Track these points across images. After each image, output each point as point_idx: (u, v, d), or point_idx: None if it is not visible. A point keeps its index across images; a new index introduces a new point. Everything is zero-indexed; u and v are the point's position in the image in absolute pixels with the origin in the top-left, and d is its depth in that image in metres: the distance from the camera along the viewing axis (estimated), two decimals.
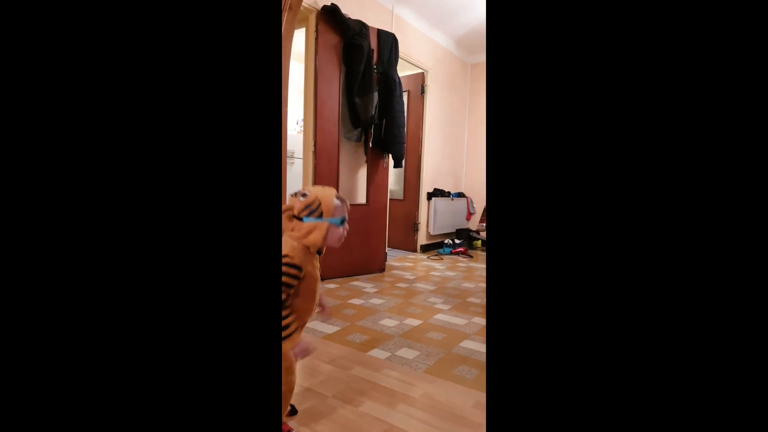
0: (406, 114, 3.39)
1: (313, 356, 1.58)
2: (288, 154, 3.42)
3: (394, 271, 3.21)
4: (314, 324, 1.93)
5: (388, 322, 2.01)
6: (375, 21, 3.06)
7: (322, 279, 2.84)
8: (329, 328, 1.90)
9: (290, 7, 1.77)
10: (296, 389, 1.37)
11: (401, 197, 4.15)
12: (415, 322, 2.02)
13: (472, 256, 4.00)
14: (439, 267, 3.46)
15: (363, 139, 3.02)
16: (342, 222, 1.01)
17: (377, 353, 1.63)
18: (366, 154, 3.09)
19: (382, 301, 2.37)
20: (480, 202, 4.69)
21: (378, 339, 1.78)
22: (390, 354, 1.63)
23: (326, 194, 0.99)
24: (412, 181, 4.06)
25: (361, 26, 2.77)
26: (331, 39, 2.69)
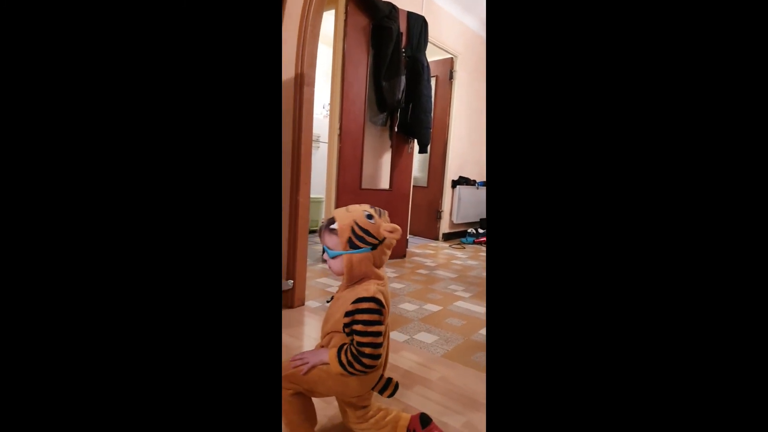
0: (433, 99, 3.34)
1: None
2: (313, 138, 3.44)
3: (415, 258, 3.20)
4: None
5: (408, 306, 2.01)
6: (405, 3, 3.00)
7: None
8: None
9: None
10: None
11: (425, 184, 4.11)
12: (434, 308, 2.02)
13: None
14: (460, 256, 3.44)
15: (388, 123, 3.00)
16: (372, 247, 0.85)
17: (396, 335, 1.64)
18: (391, 138, 3.08)
19: (402, 285, 2.38)
20: None
21: (397, 322, 1.79)
22: (408, 337, 1.64)
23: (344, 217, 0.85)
24: (437, 168, 4.01)
25: (391, 8, 2.73)
26: (360, 21, 2.66)
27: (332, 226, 0.85)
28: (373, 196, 2.96)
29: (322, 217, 3.45)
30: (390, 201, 3.05)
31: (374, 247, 0.84)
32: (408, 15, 2.88)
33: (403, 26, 2.84)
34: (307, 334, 1.64)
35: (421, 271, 2.79)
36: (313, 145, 3.50)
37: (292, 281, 1.83)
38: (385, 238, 0.85)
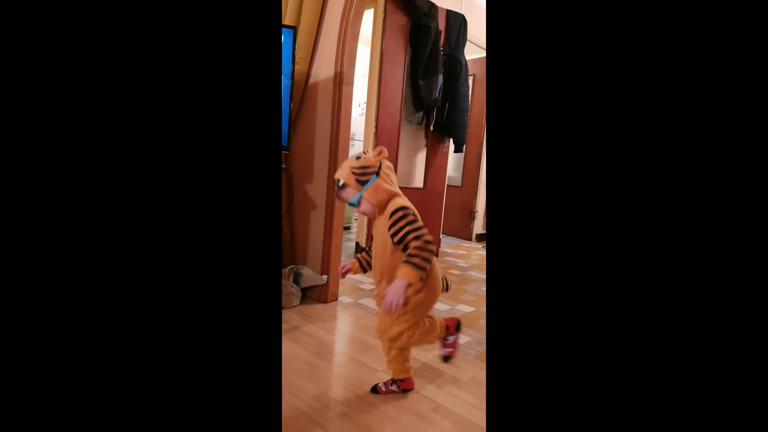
0: (470, 98, 3.29)
1: (365, 331, 1.63)
2: (349, 136, 3.49)
3: (448, 258, 3.18)
4: (367, 301, 1.98)
5: (440, 306, 2.00)
6: (444, 1, 2.97)
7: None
8: None
9: None
10: (347, 360, 1.43)
11: (459, 184, 4.07)
12: (467, 309, 2.00)
13: None
14: None
15: (424, 122, 2.99)
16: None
17: None
18: (426, 137, 3.06)
19: None
20: None
21: None
22: None
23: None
24: (472, 167, 3.96)
25: (430, 6, 2.71)
26: (399, 20, 2.66)
27: (340, 183, 1.04)
28: (407, 195, 2.93)
29: (356, 215, 3.48)
30: (424, 200, 3.04)
31: (377, 173, 1.02)
32: (447, 13, 2.86)
33: (441, 24, 2.82)
34: (339, 328, 1.67)
35: (454, 271, 2.76)
36: (349, 142, 3.55)
37: (326, 276, 1.87)
38: (380, 162, 1.04)
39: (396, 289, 0.94)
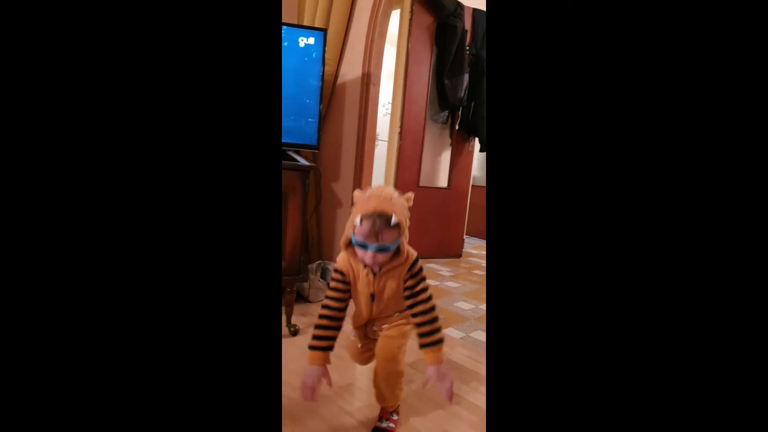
0: None
1: None
2: (375, 136, 3.52)
3: (471, 258, 3.17)
4: None
5: (463, 305, 2.01)
6: (471, 0, 2.97)
7: None
8: None
9: None
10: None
11: (484, 184, 4.04)
12: None
13: None
14: None
15: (449, 121, 3.00)
16: (361, 246, 0.83)
17: (452, 332, 1.65)
18: (451, 136, 3.07)
19: (458, 285, 2.37)
20: None
21: (452, 319, 1.80)
22: (465, 335, 1.65)
23: (361, 203, 0.85)
24: None
25: (456, 6, 2.72)
26: (425, 19, 2.68)
27: (393, 223, 0.82)
28: (431, 194, 2.97)
29: None
30: (448, 199, 3.04)
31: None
32: (473, 12, 2.85)
33: (468, 24, 2.82)
34: None
35: (477, 271, 2.75)
36: None
37: None
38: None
39: (446, 377, 0.86)
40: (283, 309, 1.55)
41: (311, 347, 0.90)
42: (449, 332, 1.65)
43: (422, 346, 0.88)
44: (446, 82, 2.77)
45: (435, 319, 0.89)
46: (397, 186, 2.79)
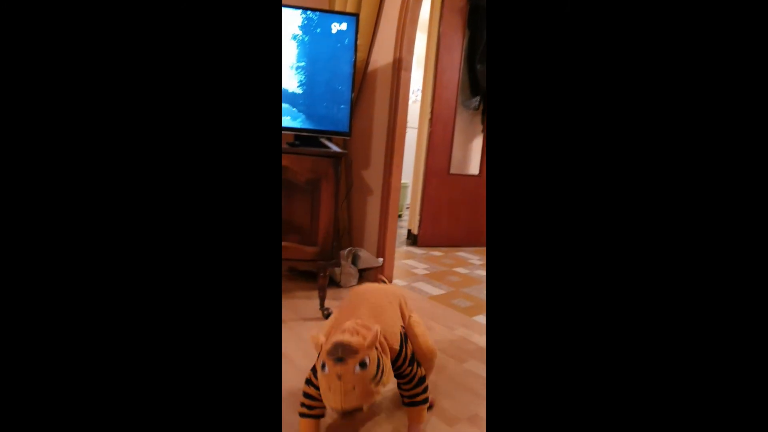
0: None
1: (417, 312, 1.68)
2: (406, 122, 3.50)
3: None
4: (420, 284, 2.02)
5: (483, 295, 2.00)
6: None
7: (428, 246, 2.91)
8: (435, 290, 1.98)
9: None
10: None
11: None
12: None
13: None
14: None
15: (481, 107, 2.94)
16: (323, 367, 0.73)
17: (481, 319, 1.65)
18: (482, 123, 3.01)
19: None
20: None
21: (482, 307, 1.80)
22: None
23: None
24: None
25: None
26: (457, 2, 2.62)
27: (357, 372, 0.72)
28: (462, 182, 2.93)
29: (407, 202, 3.52)
30: (479, 187, 3.00)
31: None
32: None
33: None
34: None
35: None
36: None
37: (382, 259, 1.93)
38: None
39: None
40: (317, 293, 1.59)
41: (301, 414, 0.87)
42: (478, 320, 1.65)
43: (405, 404, 0.91)
44: (478, 66, 2.71)
45: (422, 392, 0.90)
46: (427, 173, 2.77)
